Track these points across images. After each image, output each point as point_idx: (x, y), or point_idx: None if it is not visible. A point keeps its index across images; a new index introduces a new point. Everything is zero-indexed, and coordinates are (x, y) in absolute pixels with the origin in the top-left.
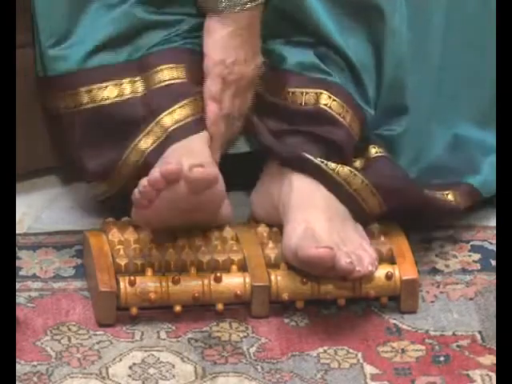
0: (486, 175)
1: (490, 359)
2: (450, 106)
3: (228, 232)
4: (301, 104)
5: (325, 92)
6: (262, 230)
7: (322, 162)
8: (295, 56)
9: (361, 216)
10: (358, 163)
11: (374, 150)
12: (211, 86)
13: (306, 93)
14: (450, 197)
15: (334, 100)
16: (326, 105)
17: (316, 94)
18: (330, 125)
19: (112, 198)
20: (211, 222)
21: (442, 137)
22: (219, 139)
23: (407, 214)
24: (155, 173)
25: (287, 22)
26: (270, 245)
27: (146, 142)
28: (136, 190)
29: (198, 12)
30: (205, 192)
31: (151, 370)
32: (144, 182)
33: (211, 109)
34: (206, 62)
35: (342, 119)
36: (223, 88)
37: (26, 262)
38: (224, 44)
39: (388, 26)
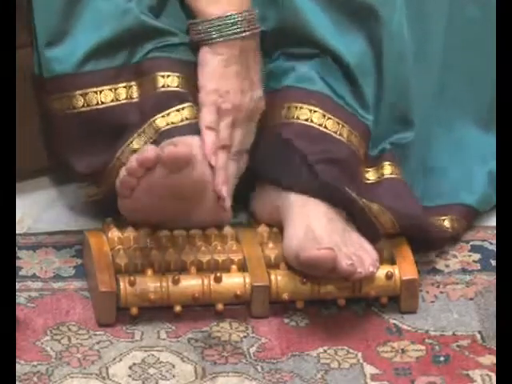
0: (482, 191)
1: (490, 359)
2: (451, 108)
3: (228, 232)
4: (293, 118)
5: (319, 110)
6: (262, 230)
7: (360, 199)
8: (291, 70)
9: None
10: (370, 174)
11: (389, 169)
12: (206, 115)
13: (301, 107)
14: (447, 223)
15: (329, 118)
16: (320, 125)
17: (310, 110)
18: (329, 143)
19: (102, 199)
20: (198, 215)
21: (443, 140)
22: (222, 173)
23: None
24: (132, 161)
25: (283, 34)
26: (270, 245)
27: (137, 143)
28: (117, 180)
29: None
30: (182, 173)
31: (151, 370)
32: (123, 171)
33: (208, 138)
34: (201, 93)
35: (339, 136)
36: (219, 117)
37: (26, 262)
38: (217, 74)
39: (386, 28)
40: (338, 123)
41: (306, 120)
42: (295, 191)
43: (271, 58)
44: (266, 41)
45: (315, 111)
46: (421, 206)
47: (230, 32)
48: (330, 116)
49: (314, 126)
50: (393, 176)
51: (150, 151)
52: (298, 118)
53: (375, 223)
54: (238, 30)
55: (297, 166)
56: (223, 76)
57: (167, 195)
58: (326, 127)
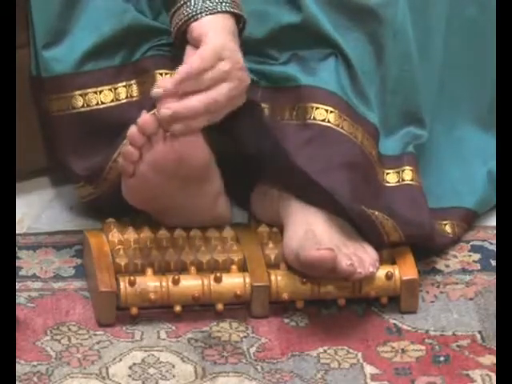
0: (482, 191)
1: (490, 359)
2: (451, 107)
3: (228, 232)
4: (309, 118)
5: (335, 110)
6: (262, 230)
7: (373, 214)
8: (300, 71)
9: (378, 244)
10: (390, 177)
11: (410, 175)
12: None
13: (317, 108)
14: (448, 228)
15: (345, 120)
16: (337, 125)
17: (326, 111)
18: (343, 145)
19: (96, 199)
20: (199, 204)
21: (443, 139)
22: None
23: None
24: (132, 129)
25: (295, 33)
26: (270, 245)
27: None
28: (120, 158)
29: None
30: (182, 141)
31: (151, 370)
32: (125, 145)
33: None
34: (233, 44)
35: (354, 139)
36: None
37: (26, 262)
38: (227, 30)
39: (389, 28)
40: (353, 125)
41: (323, 120)
42: (296, 196)
43: (282, 58)
44: (274, 40)
45: (331, 112)
46: (430, 217)
47: (223, 6)
48: (345, 118)
49: (331, 126)
50: (412, 183)
51: (149, 115)
52: (314, 119)
53: (380, 229)
54: (229, 5)
55: (300, 180)
56: (234, 36)
57: (170, 170)
58: (342, 128)
